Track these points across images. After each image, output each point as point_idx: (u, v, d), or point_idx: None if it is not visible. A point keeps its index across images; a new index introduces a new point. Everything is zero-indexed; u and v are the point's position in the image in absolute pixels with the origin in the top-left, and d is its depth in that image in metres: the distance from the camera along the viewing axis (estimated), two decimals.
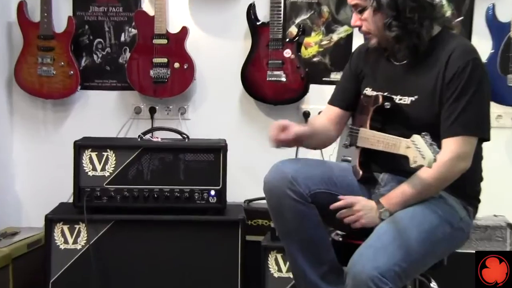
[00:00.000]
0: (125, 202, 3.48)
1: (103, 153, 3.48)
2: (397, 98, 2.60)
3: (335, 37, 4.10)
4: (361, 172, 2.66)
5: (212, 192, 3.50)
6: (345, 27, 4.07)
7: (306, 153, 3.60)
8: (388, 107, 2.57)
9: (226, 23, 4.12)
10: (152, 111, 4.13)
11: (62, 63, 3.97)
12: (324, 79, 4.10)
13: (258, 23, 3.96)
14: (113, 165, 3.48)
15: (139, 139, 3.59)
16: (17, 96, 4.13)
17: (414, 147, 2.25)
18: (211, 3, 4.10)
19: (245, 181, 3.97)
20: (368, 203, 2.52)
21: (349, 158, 2.80)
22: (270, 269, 3.48)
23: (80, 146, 3.48)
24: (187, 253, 3.46)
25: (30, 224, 4.03)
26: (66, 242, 3.45)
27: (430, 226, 2.43)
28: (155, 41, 3.95)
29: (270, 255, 3.47)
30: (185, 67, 3.97)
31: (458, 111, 2.46)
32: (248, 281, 3.52)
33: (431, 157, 2.18)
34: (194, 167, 3.50)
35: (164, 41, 3.96)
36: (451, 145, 2.46)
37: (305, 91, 3.97)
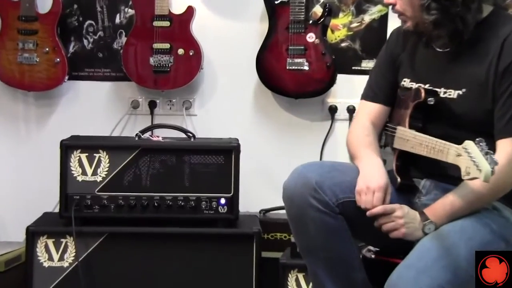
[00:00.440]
0: (120, 212, 3.49)
1: (95, 154, 3.49)
2: (441, 92, 2.58)
3: (366, 18, 4.09)
4: (399, 179, 2.64)
5: (222, 201, 3.50)
6: (379, 7, 4.06)
7: (333, 156, 3.59)
8: (432, 103, 2.55)
9: (239, 2, 4.13)
10: (152, 105, 4.14)
11: (47, 49, 3.98)
12: (353, 68, 4.10)
13: (276, 2, 3.95)
14: (106, 169, 3.49)
15: (136, 138, 3.59)
16: None
17: (467, 155, 2.21)
18: None
19: (260, 188, 3.98)
20: (411, 211, 2.51)
21: (384, 159, 2.78)
22: None
23: (68, 147, 3.48)
24: (192, 272, 3.47)
25: (9, 238, 4.04)
26: (50, 259, 3.46)
27: (482, 242, 2.41)
28: (156, 23, 3.95)
29: (290, 275, 3.47)
30: (191, 53, 3.97)
31: None
32: None
33: (488, 170, 2.13)
34: (201, 171, 3.51)
35: (166, 23, 3.96)
36: (507, 148, 2.44)
37: (331, 82, 3.96)
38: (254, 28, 4.08)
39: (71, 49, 4.13)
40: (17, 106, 4.18)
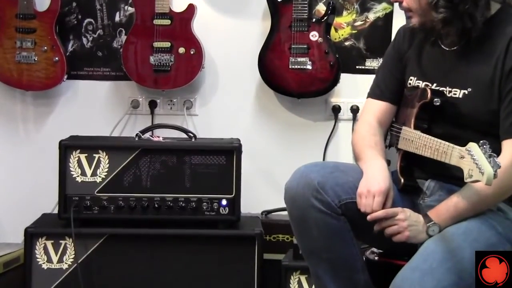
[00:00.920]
0: (120, 213, 3.49)
1: (94, 154, 3.50)
2: (446, 91, 2.58)
3: (371, 16, 4.09)
4: (402, 180, 2.64)
5: (224, 202, 3.50)
6: (384, 5, 4.06)
7: (336, 156, 3.59)
8: (438, 104, 2.55)
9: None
10: (153, 105, 4.14)
11: (45, 47, 3.98)
12: (357, 67, 4.10)
13: (279, 0, 3.95)
14: (106, 169, 3.49)
15: (136, 139, 3.60)
16: None
17: (470, 157, 2.22)
18: None
19: (262, 189, 3.98)
20: (414, 214, 2.51)
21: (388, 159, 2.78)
22: None
23: (67, 147, 3.49)
24: (193, 274, 3.47)
25: (7, 239, 4.04)
26: (49, 260, 3.47)
27: (487, 244, 2.41)
28: (156, 21, 3.95)
29: (292, 277, 3.48)
30: (192, 52, 3.97)
31: None
32: None
33: (491, 173, 2.13)
34: (202, 172, 3.51)
35: (167, 22, 3.96)
36: None
37: (335, 81, 3.96)
38: (256, 26, 4.09)
39: (70, 48, 4.13)
40: (15, 106, 4.18)
